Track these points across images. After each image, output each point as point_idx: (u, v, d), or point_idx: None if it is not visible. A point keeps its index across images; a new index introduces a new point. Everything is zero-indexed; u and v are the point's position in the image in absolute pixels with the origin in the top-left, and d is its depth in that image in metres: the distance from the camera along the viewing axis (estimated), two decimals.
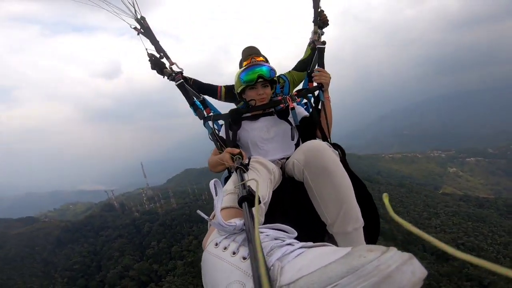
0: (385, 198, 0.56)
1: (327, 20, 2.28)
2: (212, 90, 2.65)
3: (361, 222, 1.45)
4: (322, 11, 2.24)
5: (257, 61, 2.19)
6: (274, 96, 2.33)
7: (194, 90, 2.41)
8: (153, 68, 2.35)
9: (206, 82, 2.65)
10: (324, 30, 2.32)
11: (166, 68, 2.33)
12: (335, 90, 2.35)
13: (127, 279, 44.78)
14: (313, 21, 2.26)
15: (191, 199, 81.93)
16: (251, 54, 2.32)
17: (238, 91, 2.22)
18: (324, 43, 2.22)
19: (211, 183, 1.04)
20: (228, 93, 2.65)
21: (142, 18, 2.27)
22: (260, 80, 2.08)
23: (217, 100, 2.66)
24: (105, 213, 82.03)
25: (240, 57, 2.51)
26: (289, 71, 2.68)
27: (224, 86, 2.67)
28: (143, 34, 2.27)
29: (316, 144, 1.53)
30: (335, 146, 1.71)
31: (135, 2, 2.21)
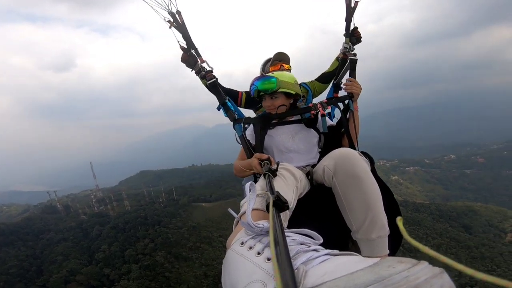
0: (399, 222, 0.54)
1: (361, 37, 2.33)
2: (232, 95, 2.57)
3: (386, 230, 1.43)
4: (356, 28, 2.28)
5: (279, 68, 2.29)
6: (298, 104, 2.35)
7: (223, 91, 2.36)
8: (183, 60, 2.32)
9: (227, 87, 2.58)
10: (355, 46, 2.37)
11: (198, 62, 2.31)
12: None
13: (74, 284, 41.12)
14: (344, 34, 2.31)
15: (147, 202, 77.83)
16: (280, 60, 2.39)
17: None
18: (355, 55, 2.28)
19: (247, 184, 1.06)
20: (248, 100, 2.63)
21: (178, 12, 2.23)
22: (261, 93, 2.10)
23: None
24: (46, 215, 73.84)
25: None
26: (312, 81, 2.72)
27: (245, 92, 2.64)
28: (176, 28, 2.24)
29: (348, 151, 1.52)
30: (364, 155, 1.70)
31: None
